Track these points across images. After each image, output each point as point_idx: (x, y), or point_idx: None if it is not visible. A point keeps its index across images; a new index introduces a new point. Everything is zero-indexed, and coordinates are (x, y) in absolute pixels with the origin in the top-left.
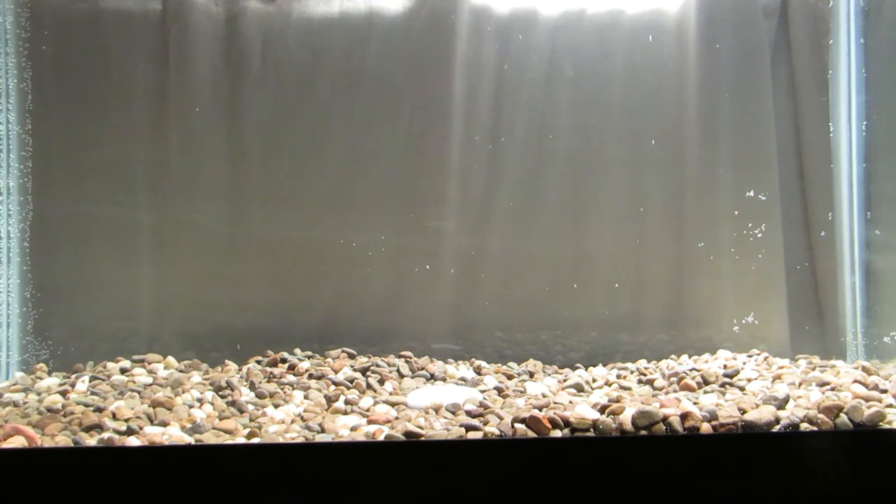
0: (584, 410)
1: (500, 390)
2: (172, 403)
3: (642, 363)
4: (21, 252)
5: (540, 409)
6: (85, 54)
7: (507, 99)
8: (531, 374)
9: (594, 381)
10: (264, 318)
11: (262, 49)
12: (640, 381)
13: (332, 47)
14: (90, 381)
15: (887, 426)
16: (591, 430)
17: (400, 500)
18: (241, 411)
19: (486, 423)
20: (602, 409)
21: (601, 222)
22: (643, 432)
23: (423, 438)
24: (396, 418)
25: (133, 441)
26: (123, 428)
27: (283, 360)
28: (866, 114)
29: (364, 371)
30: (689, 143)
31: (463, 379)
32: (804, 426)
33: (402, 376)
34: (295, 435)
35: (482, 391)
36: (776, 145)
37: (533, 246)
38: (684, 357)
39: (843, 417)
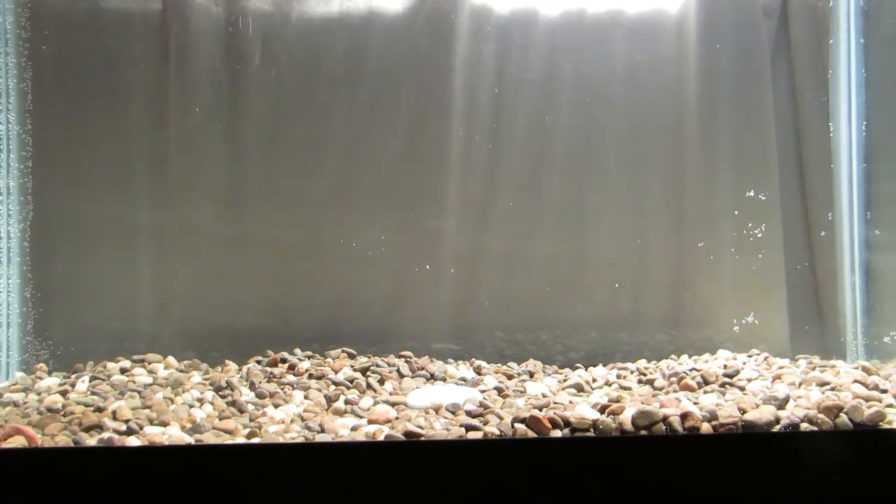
0: (584, 410)
1: (500, 390)
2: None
3: (642, 363)
4: (21, 252)
5: (540, 409)
6: (85, 54)
7: (507, 99)
8: (531, 374)
9: (594, 381)
10: (264, 318)
11: (262, 49)
12: (640, 381)
13: (332, 47)
14: (90, 381)
15: (887, 426)
16: (591, 430)
17: (400, 500)
18: (241, 411)
19: (486, 423)
20: (602, 409)
21: (601, 222)
22: (643, 432)
23: (423, 438)
24: (396, 418)
25: (133, 441)
26: (123, 428)
27: (283, 360)
28: (866, 114)
29: (364, 371)
30: (689, 143)
31: (463, 379)
32: (804, 426)
33: (402, 376)
34: (295, 435)
35: (482, 391)
36: (776, 145)
37: (533, 246)
38: (684, 357)
39: (843, 417)
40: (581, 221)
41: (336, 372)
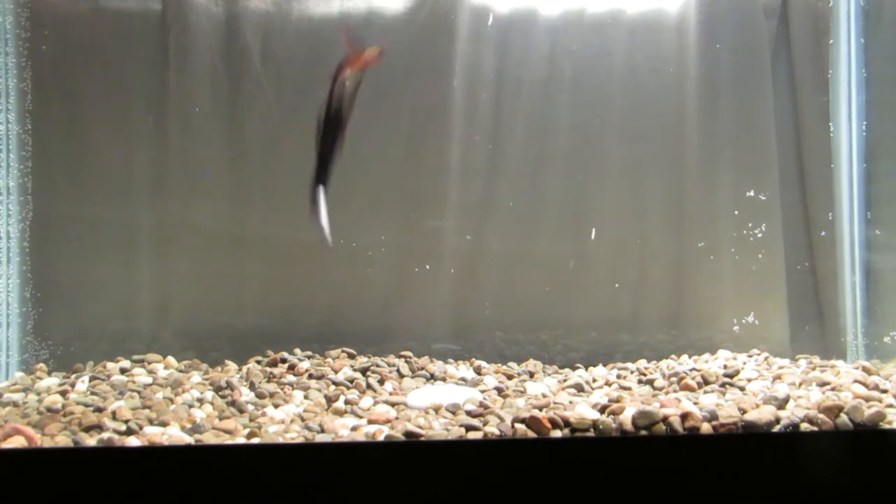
0: (584, 410)
1: (500, 390)
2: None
3: (642, 363)
4: (21, 252)
5: (540, 409)
6: (85, 54)
7: (507, 99)
8: (531, 374)
9: (594, 381)
10: (264, 318)
11: (262, 49)
12: (640, 381)
13: (331, 47)
14: (90, 381)
15: (887, 426)
16: (591, 430)
17: (400, 500)
18: (241, 411)
19: (486, 424)
20: (602, 409)
21: (601, 222)
22: (643, 432)
23: (423, 438)
24: (396, 418)
25: (133, 441)
26: (123, 428)
27: (283, 360)
28: (866, 114)
29: (364, 371)
30: (689, 143)
31: (463, 379)
32: (804, 426)
33: (402, 376)
34: (295, 435)
35: (482, 391)
36: (776, 145)
37: (533, 246)
38: (684, 357)
39: (844, 417)
40: (581, 221)
41: (336, 372)
